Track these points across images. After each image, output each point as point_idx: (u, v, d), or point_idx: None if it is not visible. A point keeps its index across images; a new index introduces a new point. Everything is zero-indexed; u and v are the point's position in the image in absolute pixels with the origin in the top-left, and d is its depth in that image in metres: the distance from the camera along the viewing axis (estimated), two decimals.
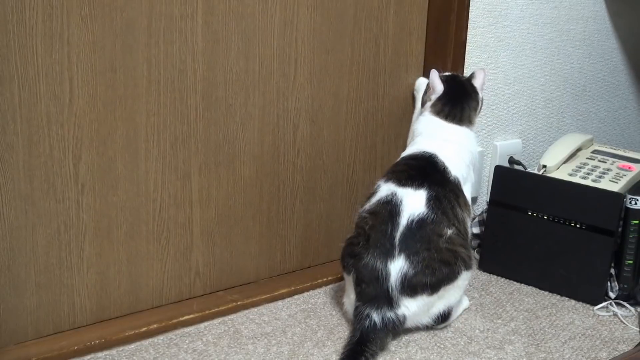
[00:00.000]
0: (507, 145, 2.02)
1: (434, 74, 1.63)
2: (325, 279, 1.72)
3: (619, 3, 2.22)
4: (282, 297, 1.64)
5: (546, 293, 1.73)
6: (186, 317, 1.51)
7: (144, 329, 1.46)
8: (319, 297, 1.66)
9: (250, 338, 1.47)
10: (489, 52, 1.90)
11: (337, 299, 1.63)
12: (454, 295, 1.51)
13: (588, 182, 1.76)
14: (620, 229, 1.66)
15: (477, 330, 1.55)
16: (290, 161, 1.66)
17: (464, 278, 1.51)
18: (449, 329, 1.54)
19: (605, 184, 1.75)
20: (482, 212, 1.91)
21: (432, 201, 1.48)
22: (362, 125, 1.77)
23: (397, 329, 1.45)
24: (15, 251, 1.33)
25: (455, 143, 1.61)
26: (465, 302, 1.62)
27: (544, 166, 1.82)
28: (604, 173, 1.80)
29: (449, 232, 1.48)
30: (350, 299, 1.51)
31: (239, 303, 1.58)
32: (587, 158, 1.89)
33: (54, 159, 1.34)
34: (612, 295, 1.67)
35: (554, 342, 1.52)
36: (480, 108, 1.68)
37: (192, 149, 1.50)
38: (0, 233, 1.31)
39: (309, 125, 1.67)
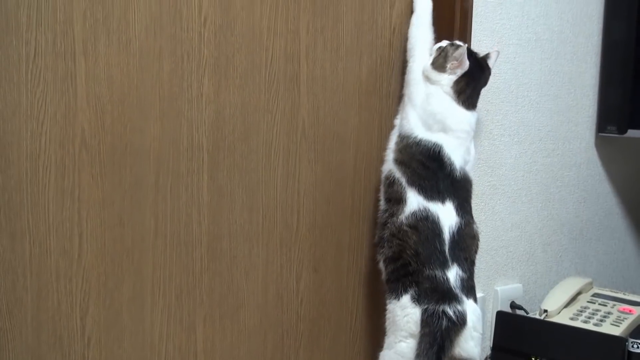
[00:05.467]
0: (508, 290, 2.03)
1: (465, 49, 1.59)
2: None
3: (610, 149, 2.29)
4: None
5: None
6: None
7: None
8: None
9: None
10: (486, 199, 1.95)
11: None
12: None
13: (589, 326, 1.76)
14: None
15: None
16: (294, 310, 1.68)
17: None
18: None
19: (607, 328, 1.75)
20: (486, 358, 1.91)
21: (459, 208, 1.57)
22: (364, 273, 1.79)
23: (464, 324, 1.50)
24: None
25: (465, 134, 1.62)
26: None
27: (545, 311, 1.84)
28: (605, 317, 1.81)
29: (475, 227, 1.61)
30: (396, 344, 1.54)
31: None
32: (588, 302, 1.90)
33: (62, 313, 1.36)
34: None
35: None
36: None
37: (197, 300, 1.52)
38: None
39: (312, 275, 1.70)
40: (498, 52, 1.70)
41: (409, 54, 1.70)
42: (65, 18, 1.32)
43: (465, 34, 1.78)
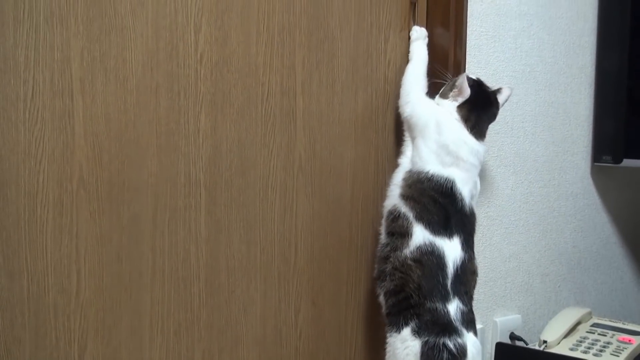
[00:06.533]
0: (507, 321, 2.03)
1: (464, 77, 1.63)
2: None
3: (606, 179, 2.31)
4: None
5: None
6: None
7: None
8: None
9: None
10: (483, 230, 1.96)
11: None
12: None
13: (589, 357, 1.76)
14: None
15: None
16: (293, 344, 1.67)
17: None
18: None
19: (607, 358, 1.75)
20: None
21: (464, 243, 1.59)
22: (363, 305, 1.79)
23: (464, 357, 1.51)
24: None
25: (474, 167, 1.64)
26: None
27: (545, 341, 1.84)
28: (604, 347, 1.81)
29: (475, 262, 1.63)
30: None
31: None
32: (587, 332, 1.90)
33: (60, 351, 1.36)
34: None
35: None
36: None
37: (195, 335, 1.52)
38: None
39: (311, 308, 1.70)
40: (511, 90, 1.73)
41: (403, 100, 1.71)
42: (62, 57, 1.33)
43: (459, 67, 1.80)
